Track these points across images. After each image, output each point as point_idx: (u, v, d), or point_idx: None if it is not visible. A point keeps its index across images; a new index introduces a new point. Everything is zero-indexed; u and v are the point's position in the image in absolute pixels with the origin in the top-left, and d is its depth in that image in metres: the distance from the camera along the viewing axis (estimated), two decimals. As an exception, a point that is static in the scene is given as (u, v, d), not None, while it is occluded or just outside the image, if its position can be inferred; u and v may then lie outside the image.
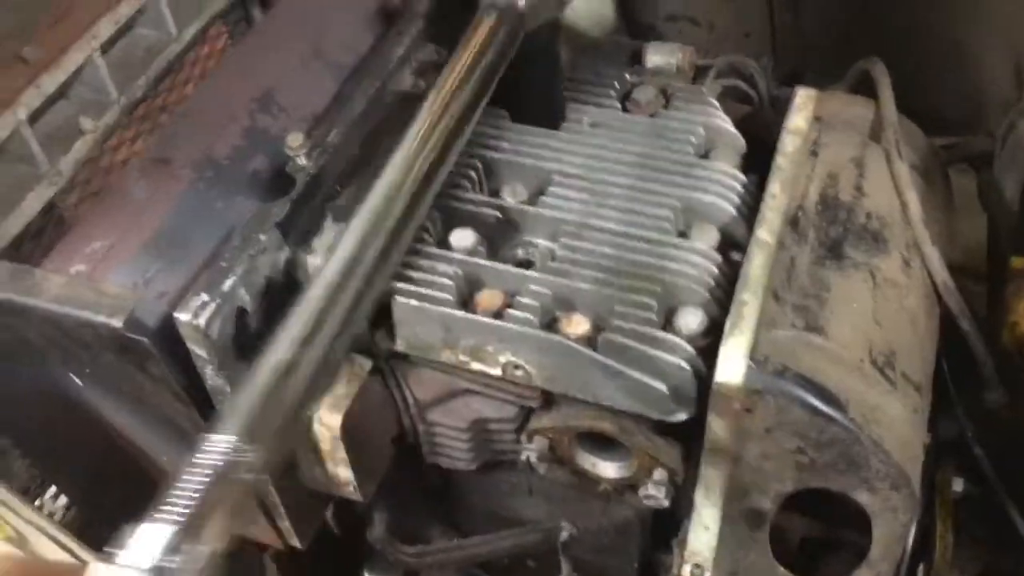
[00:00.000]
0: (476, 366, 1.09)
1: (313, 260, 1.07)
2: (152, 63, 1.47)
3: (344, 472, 1.12)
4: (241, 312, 1.01)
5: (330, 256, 0.93)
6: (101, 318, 0.99)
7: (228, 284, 0.99)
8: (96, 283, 1.09)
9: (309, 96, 1.33)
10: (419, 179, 0.98)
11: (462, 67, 1.05)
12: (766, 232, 1.07)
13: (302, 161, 1.09)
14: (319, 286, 0.89)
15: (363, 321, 0.99)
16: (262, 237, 1.03)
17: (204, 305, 0.97)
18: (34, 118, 1.30)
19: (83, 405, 1.13)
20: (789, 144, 1.15)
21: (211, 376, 1.01)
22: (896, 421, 0.98)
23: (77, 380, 1.12)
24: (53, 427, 1.20)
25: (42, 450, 1.30)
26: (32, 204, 1.29)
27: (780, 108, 1.32)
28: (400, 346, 1.11)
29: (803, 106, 1.19)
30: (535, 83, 1.24)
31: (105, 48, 1.40)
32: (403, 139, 1.00)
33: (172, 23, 1.50)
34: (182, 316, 0.96)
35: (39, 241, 1.32)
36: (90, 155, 1.37)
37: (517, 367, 1.07)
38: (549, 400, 1.12)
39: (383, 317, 1.09)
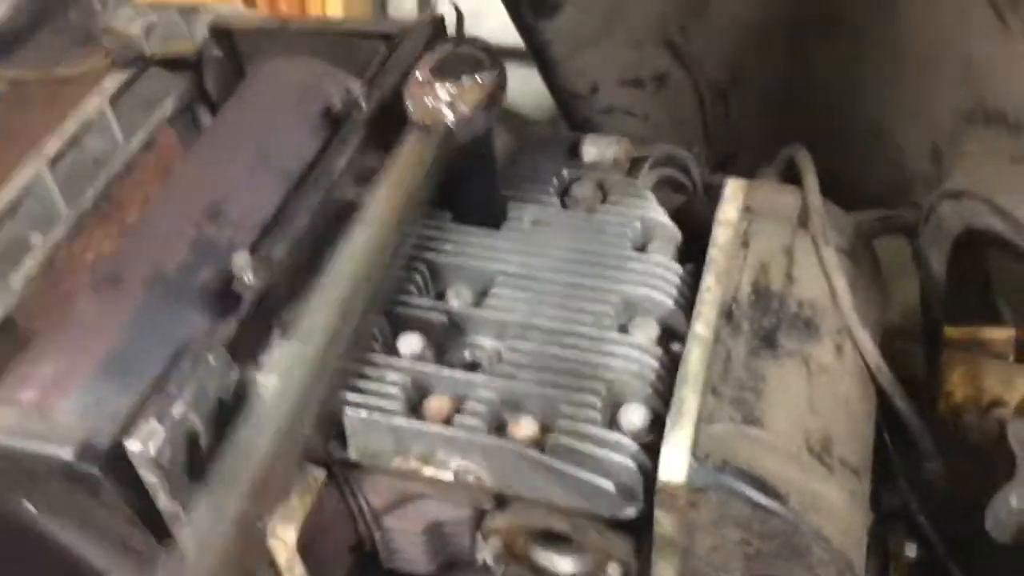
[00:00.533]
0: (428, 472, 1.10)
1: (263, 378, 1.08)
2: (100, 173, 1.50)
3: (303, 584, 1.13)
4: (192, 436, 1.02)
5: (276, 374, 0.96)
6: (51, 450, 0.99)
7: (178, 409, 1.00)
8: (47, 410, 1.10)
9: (256, 205, 1.35)
10: (355, 296, 1.00)
11: (394, 181, 1.09)
12: (702, 326, 1.10)
13: (248, 279, 1.11)
14: (267, 405, 0.92)
15: (308, 434, 1.01)
16: (211, 358, 1.05)
17: (153, 432, 0.98)
18: (-18, 239, 1.32)
19: (38, 531, 1.13)
20: (721, 236, 1.20)
21: (164, 500, 1.02)
22: (836, 507, 1.01)
23: (31, 507, 1.12)
24: (7, 554, 1.20)
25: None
26: (-18, 323, 1.30)
27: (714, 195, 1.38)
28: (353, 455, 1.13)
29: (733, 197, 1.24)
30: (474, 186, 1.27)
31: (53, 162, 1.43)
32: (338, 255, 1.03)
33: (119, 132, 1.53)
34: (132, 446, 0.98)
35: (-8, 361, 1.33)
36: (40, 270, 1.39)
37: (468, 472, 1.09)
38: (502, 500, 1.14)
39: (335, 427, 1.11)
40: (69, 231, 1.43)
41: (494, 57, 1.16)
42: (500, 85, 1.14)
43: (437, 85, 1.12)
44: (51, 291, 1.42)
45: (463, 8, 1.46)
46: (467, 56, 1.15)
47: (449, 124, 1.12)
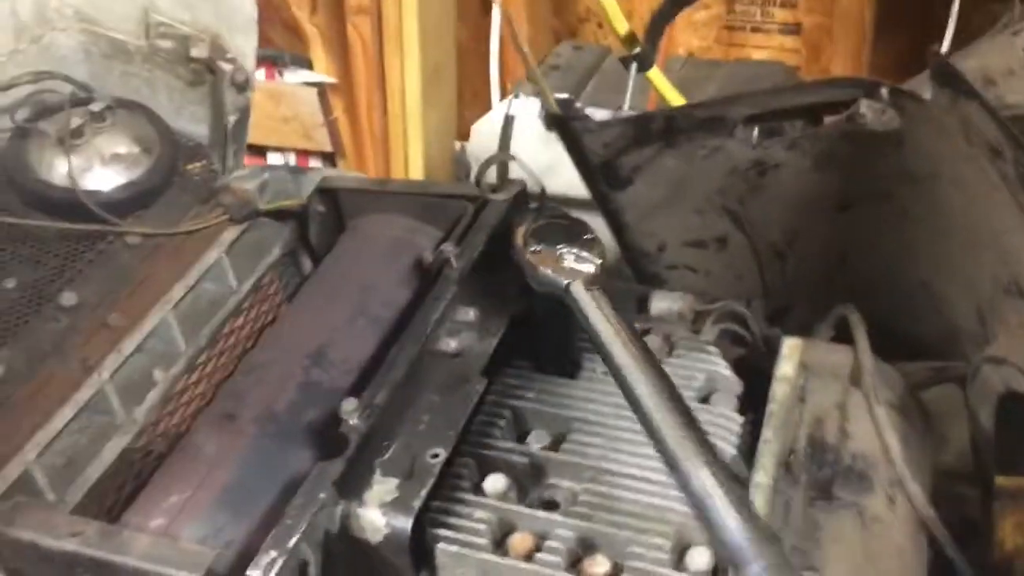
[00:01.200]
0: (511, 604, 1.20)
1: (365, 513, 1.21)
2: (216, 314, 1.67)
3: None
4: (303, 565, 1.15)
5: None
6: (183, 573, 1.12)
7: (292, 541, 1.13)
8: (174, 537, 1.23)
9: (355, 350, 1.51)
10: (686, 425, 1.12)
11: (620, 333, 1.21)
12: (763, 476, 1.21)
13: (354, 422, 1.25)
14: None
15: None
16: (321, 495, 1.18)
17: (273, 562, 1.11)
18: (113, 375, 1.49)
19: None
20: (779, 391, 1.31)
21: (277, 623, 1.14)
22: (892, 655, 1.09)
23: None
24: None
25: None
26: (109, 452, 1.45)
27: (771, 347, 1.49)
28: (442, 587, 1.23)
29: (790, 355, 1.35)
30: (554, 338, 1.41)
31: (175, 306, 1.61)
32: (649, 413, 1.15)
33: (233, 278, 1.71)
34: (253, 573, 1.10)
35: (115, 484, 1.47)
36: (161, 403, 1.55)
37: (548, 605, 1.19)
38: (577, 633, 1.23)
39: (427, 559, 1.23)
40: (186, 366, 1.60)
41: (577, 219, 1.33)
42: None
43: (562, 249, 1.28)
44: (168, 419, 1.58)
45: (540, 160, 1.63)
46: (561, 224, 1.32)
47: (597, 275, 1.26)
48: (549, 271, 1.31)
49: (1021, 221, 1.10)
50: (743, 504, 1.04)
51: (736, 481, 1.07)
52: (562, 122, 1.55)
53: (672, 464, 1.09)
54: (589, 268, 1.29)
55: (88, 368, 1.46)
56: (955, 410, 1.67)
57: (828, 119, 1.36)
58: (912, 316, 1.64)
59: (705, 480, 1.05)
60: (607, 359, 1.20)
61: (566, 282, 1.28)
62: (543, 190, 1.50)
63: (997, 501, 1.40)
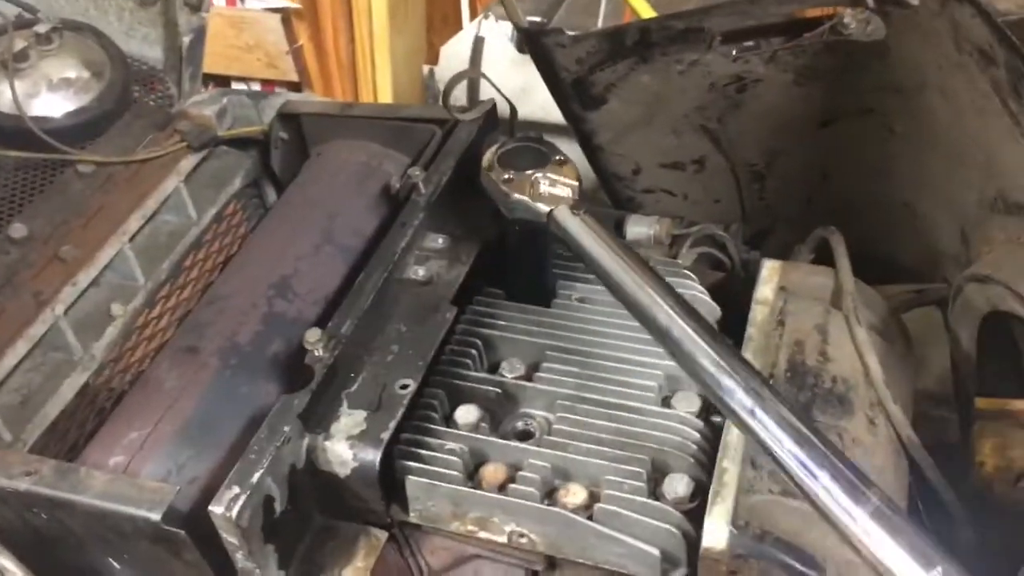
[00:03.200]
0: (483, 535, 1.18)
1: (332, 446, 1.17)
2: (175, 246, 1.61)
3: (366, 640, 1.20)
4: (268, 500, 1.11)
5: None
6: (142, 512, 1.08)
7: (256, 476, 1.09)
8: (134, 474, 1.19)
9: (321, 280, 1.46)
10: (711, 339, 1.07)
11: (616, 254, 1.16)
12: (742, 401, 1.17)
13: (319, 353, 1.20)
14: None
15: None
16: (286, 428, 1.13)
17: (236, 497, 1.07)
18: (68, 310, 1.43)
19: (120, 586, 1.22)
20: (758, 314, 1.27)
21: (241, 560, 1.10)
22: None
23: (114, 563, 1.21)
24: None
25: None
26: (67, 390, 1.40)
27: (750, 271, 1.46)
28: (413, 518, 1.20)
29: (769, 277, 1.32)
30: (528, 266, 1.36)
31: (133, 238, 1.54)
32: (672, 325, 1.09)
33: (192, 208, 1.65)
34: (216, 509, 1.06)
35: (76, 422, 1.43)
36: (120, 338, 1.49)
37: (521, 535, 1.16)
38: (553, 563, 1.21)
39: (397, 491, 1.20)
40: (146, 300, 1.54)
41: (547, 142, 1.27)
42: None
43: (537, 174, 1.22)
44: (129, 355, 1.53)
45: (511, 84, 1.57)
46: (530, 148, 1.25)
47: (577, 199, 1.21)
48: (527, 198, 1.25)
49: (1011, 131, 1.06)
50: (818, 432, 0.99)
51: (796, 410, 1.01)
52: (533, 37, 1.48)
53: (696, 373, 1.05)
54: (568, 192, 1.24)
55: (41, 303, 1.40)
56: (934, 334, 1.65)
57: (810, 31, 1.30)
58: (892, 238, 1.60)
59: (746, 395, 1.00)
60: (611, 282, 1.15)
61: (548, 209, 1.23)
62: (513, 110, 1.43)
63: (977, 423, 1.38)
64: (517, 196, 1.25)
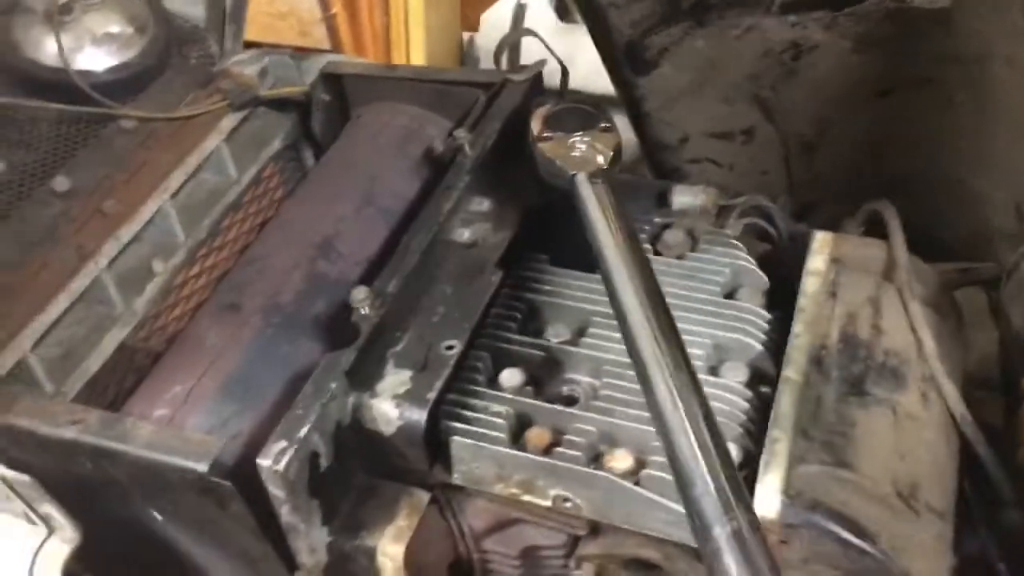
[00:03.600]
0: (527, 498, 1.17)
1: (378, 404, 1.16)
2: (215, 205, 1.60)
3: (404, 600, 1.19)
4: (314, 455, 1.10)
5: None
6: (189, 463, 1.08)
7: (303, 431, 1.08)
8: (178, 427, 1.19)
9: (363, 242, 1.45)
10: (669, 342, 1.07)
11: (620, 235, 1.16)
12: (793, 371, 1.16)
13: (365, 311, 1.19)
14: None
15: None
16: (332, 385, 1.13)
17: (283, 451, 1.06)
18: (111, 264, 1.43)
19: (161, 538, 1.22)
20: (810, 285, 1.25)
21: (286, 514, 1.10)
22: (923, 549, 1.05)
23: (157, 515, 1.21)
24: (132, 559, 1.29)
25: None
26: (109, 344, 1.40)
27: (798, 245, 1.43)
28: (456, 480, 1.19)
29: (821, 249, 1.30)
30: (575, 230, 1.34)
31: (174, 195, 1.54)
32: (622, 303, 1.11)
33: (233, 168, 1.64)
34: (263, 462, 1.06)
35: (115, 378, 1.42)
36: (160, 294, 1.49)
37: (566, 500, 1.15)
38: (596, 528, 1.20)
39: (441, 452, 1.19)
40: (186, 258, 1.53)
41: (600, 107, 1.25)
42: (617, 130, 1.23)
43: (575, 137, 1.21)
44: (168, 312, 1.52)
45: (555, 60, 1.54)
46: (580, 110, 1.24)
47: (606, 168, 1.19)
48: (556, 160, 1.24)
49: (1086, 101, 1.03)
50: (719, 446, 0.97)
51: (711, 419, 0.99)
52: (588, -2, 1.45)
53: (644, 383, 1.04)
54: (598, 159, 1.23)
55: (84, 256, 1.39)
56: (977, 315, 1.63)
57: (872, -3, 1.27)
58: (942, 216, 1.58)
59: (675, 420, 0.99)
60: (598, 256, 1.15)
61: (572, 173, 1.21)
62: (565, 72, 1.41)
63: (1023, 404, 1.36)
64: (548, 155, 1.24)
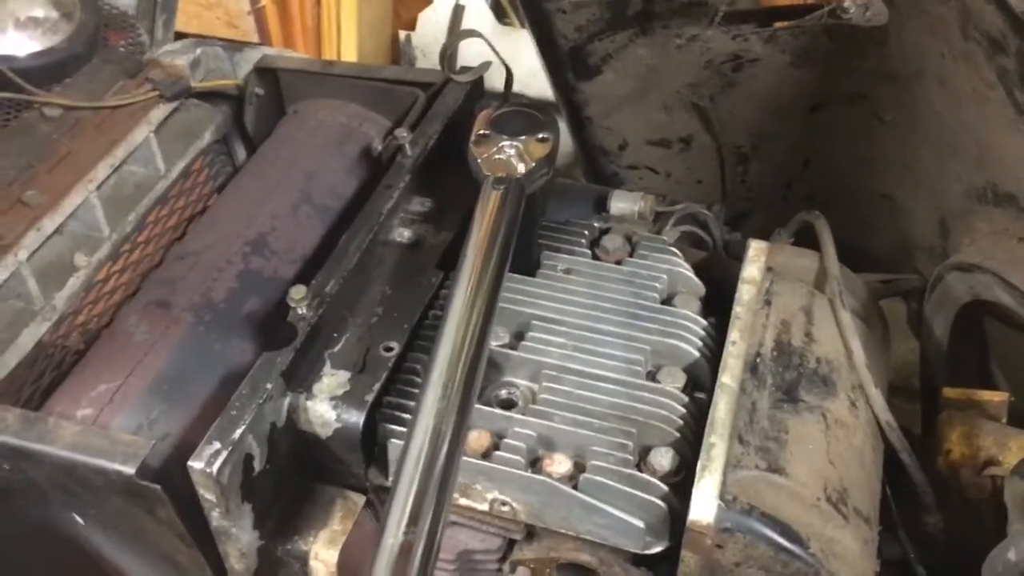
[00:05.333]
0: (464, 502, 1.16)
1: (314, 406, 1.14)
2: (142, 199, 1.55)
3: (337, 605, 1.17)
4: (248, 458, 1.08)
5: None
6: (115, 465, 1.04)
7: (238, 432, 1.05)
8: (103, 427, 1.14)
9: (299, 240, 1.42)
10: (471, 350, 1.04)
11: (483, 240, 1.14)
12: (729, 377, 1.18)
13: (303, 311, 1.17)
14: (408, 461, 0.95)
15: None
16: (268, 385, 1.10)
17: (216, 453, 1.03)
18: (31, 257, 1.37)
19: (83, 544, 1.17)
20: (745, 293, 1.28)
21: (217, 518, 1.07)
22: (850, 553, 1.08)
23: (79, 519, 1.16)
24: (52, 565, 1.23)
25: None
26: (27, 339, 1.34)
27: (732, 251, 1.46)
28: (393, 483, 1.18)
29: (756, 258, 1.32)
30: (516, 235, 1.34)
31: (99, 187, 1.48)
32: (449, 312, 1.08)
33: (161, 160, 1.59)
34: (195, 464, 1.02)
35: (33, 376, 1.36)
36: (82, 290, 1.43)
37: (503, 504, 1.15)
38: (532, 532, 1.20)
39: (378, 454, 1.17)
40: (110, 252, 1.48)
41: (549, 115, 1.24)
42: (557, 141, 1.22)
43: (505, 141, 1.20)
44: (90, 308, 1.47)
45: (489, 56, 1.53)
46: (526, 113, 1.23)
47: (520, 176, 1.18)
48: (479, 160, 1.23)
49: (1014, 122, 1.07)
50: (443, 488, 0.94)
51: (452, 460, 0.97)
52: (533, 2, 1.45)
53: (421, 391, 1.02)
54: (517, 167, 1.22)
55: (3, 247, 1.33)
56: (897, 325, 1.68)
57: (811, 13, 1.30)
58: (867, 229, 1.62)
59: (417, 439, 0.96)
60: (460, 263, 1.13)
61: (486, 175, 1.21)
62: (509, 74, 1.41)
63: (944, 412, 1.41)
64: (473, 155, 1.23)
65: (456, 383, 1.01)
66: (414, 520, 0.91)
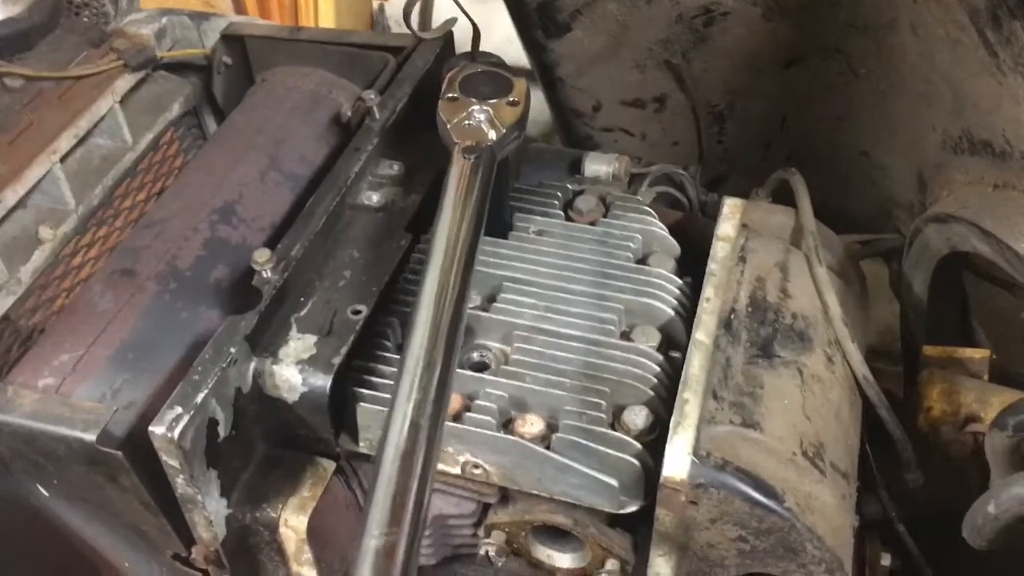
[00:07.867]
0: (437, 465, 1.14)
1: (279, 370, 1.12)
2: (109, 172, 1.52)
3: (309, 573, 1.15)
4: (212, 423, 1.05)
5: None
6: (75, 433, 1.02)
7: (200, 397, 1.03)
8: (66, 396, 1.12)
9: (267, 207, 1.39)
10: (449, 317, 1.02)
11: (456, 210, 1.11)
12: (703, 334, 1.16)
13: (268, 275, 1.15)
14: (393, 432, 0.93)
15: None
16: (232, 350, 1.08)
17: (178, 418, 1.01)
18: (-6, 230, 1.34)
19: (49, 516, 1.15)
20: (720, 250, 1.26)
21: (182, 485, 1.05)
22: (828, 508, 1.07)
23: (43, 490, 1.14)
24: (20, 539, 1.21)
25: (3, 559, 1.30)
26: (-10, 314, 1.32)
27: (708, 212, 1.44)
28: (363, 448, 1.16)
29: (731, 215, 1.30)
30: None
31: (63, 159, 1.45)
32: (424, 281, 1.05)
33: (128, 132, 1.56)
34: (157, 429, 1.00)
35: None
36: (48, 264, 1.41)
37: (476, 466, 1.13)
38: (506, 495, 1.18)
39: (347, 419, 1.15)
40: (77, 226, 1.46)
41: (516, 75, 1.21)
42: (528, 103, 1.19)
43: (475, 106, 1.17)
44: (58, 283, 1.44)
45: (464, 22, 1.51)
46: (495, 75, 1.20)
47: (491, 144, 1.16)
48: (448, 124, 1.20)
49: (985, 64, 1.05)
50: (426, 466, 0.91)
51: (434, 432, 0.94)
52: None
53: (399, 368, 0.99)
54: (489, 134, 1.19)
55: (-36, 218, 1.31)
56: (879, 288, 1.66)
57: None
58: (846, 189, 1.61)
59: (399, 415, 0.94)
60: (432, 236, 1.10)
61: (456, 143, 1.18)
62: (476, 32, 1.38)
63: (924, 370, 1.39)
64: (443, 118, 1.20)
65: (433, 383, 0.97)
66: (396, 520, 0.87)
